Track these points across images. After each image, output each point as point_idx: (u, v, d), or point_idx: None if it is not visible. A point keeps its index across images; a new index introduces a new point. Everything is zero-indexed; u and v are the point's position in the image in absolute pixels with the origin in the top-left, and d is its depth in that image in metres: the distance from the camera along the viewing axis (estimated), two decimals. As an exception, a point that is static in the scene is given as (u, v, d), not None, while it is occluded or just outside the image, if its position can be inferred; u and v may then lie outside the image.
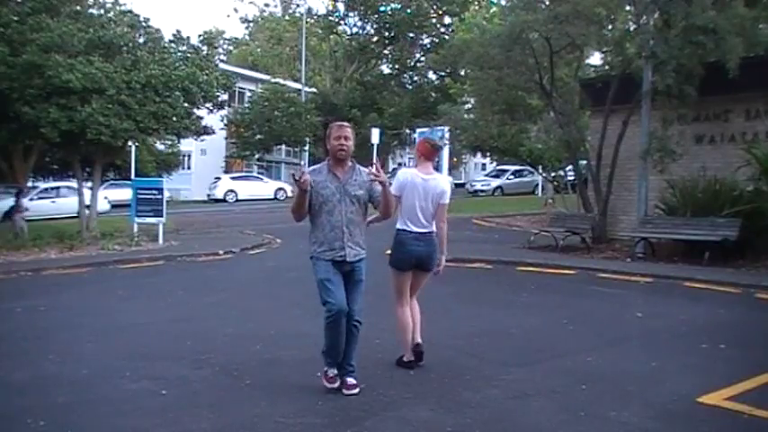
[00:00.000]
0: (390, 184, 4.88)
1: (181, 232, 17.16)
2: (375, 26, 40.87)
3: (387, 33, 40.50)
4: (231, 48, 54.68)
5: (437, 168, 5.62)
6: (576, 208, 14.88)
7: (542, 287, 9.37)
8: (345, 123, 4.90)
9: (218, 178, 34.73)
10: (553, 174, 21.91)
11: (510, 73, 14.11)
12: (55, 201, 23.89)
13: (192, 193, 35.30)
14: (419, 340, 5.27)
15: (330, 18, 41.95)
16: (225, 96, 18.64)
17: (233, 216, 23.38)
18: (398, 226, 5.21)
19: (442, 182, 5.32)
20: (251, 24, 52.95)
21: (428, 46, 41.03)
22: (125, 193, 20.95)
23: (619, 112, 12.83)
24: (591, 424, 4.19)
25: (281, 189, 34.26)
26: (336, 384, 4.74)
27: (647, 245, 11.81)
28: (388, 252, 5.31)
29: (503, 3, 20.14)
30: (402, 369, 5.25)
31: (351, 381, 4.76)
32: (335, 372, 4.76)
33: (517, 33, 13.04)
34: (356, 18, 41.38)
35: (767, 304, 8.16)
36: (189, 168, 37.05)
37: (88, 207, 16.13)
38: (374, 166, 4.59)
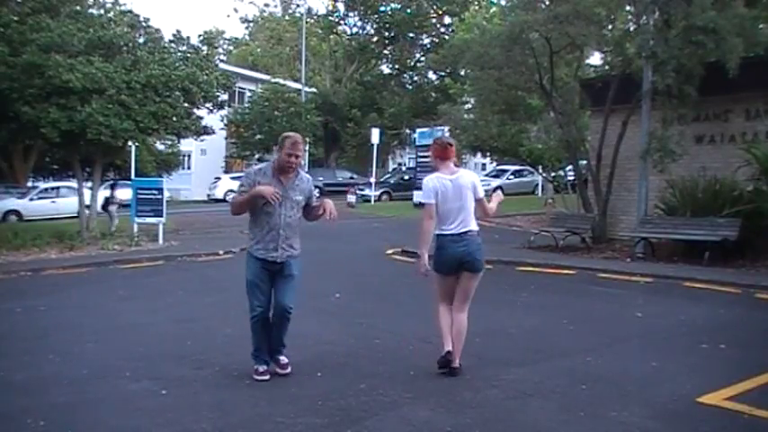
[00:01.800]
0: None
1: (181, 232, 17.15)
2: (375, 26, 40.86)
3: (387, 33, 40.48)
4: (231, 48, 54.67)
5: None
6: (576, 208, 14.88)
7: (542, 287, 9.37)
8: (299, 140, 5.01)
9: (218, 178, 34.70)
10: (553, 174, 21.90)
11: (510, 73, 14.10)
12: (55, 201, 23.87)
13: (192, 193, 35.29)
14: (456, 364, 5.07)
15: (330, 18, 41.94)
16: (225, 96, 18.63)
17: (233, 216, 23.32)
18: (437, 231, 5.08)
19: (469, 176, 5.20)
20: (251, 24, 52.95)
21: (428, 46, 41.02)
22: (125, 193, 20.94)
23: (619, 112, 12.83)
24: (591, 424, 4.19)
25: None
26: (267, 377, 5.01)
27: (647, 245, 11.81)
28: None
29: (503, 3, 20.18)
30: (402, 369, 5.24)
31: (283, 359, 5.14)
32: (265, 367, 5.07)
33: (517, 33, 13.03)
34: (356, 18, 41.38)
35: (767, 304, 8.16)
36: (189, 168, 37.04)
37: (88, 207, 16.13)
38: (329, 213, 4.98)
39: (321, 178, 30.18)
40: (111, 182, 18.83)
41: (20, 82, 13.40)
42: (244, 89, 39.12)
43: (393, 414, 4.34)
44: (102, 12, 16.60)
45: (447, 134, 19.50)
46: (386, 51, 42.34)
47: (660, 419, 4.23)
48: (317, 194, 5.32)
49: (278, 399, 4.62)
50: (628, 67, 12.51)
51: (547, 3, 13.53)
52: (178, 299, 8.70)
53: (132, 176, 16.96)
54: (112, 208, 17.07)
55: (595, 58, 19.26)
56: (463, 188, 5.06)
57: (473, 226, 5.09)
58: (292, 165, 4.92)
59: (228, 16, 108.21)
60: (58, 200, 23.85)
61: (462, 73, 26.78)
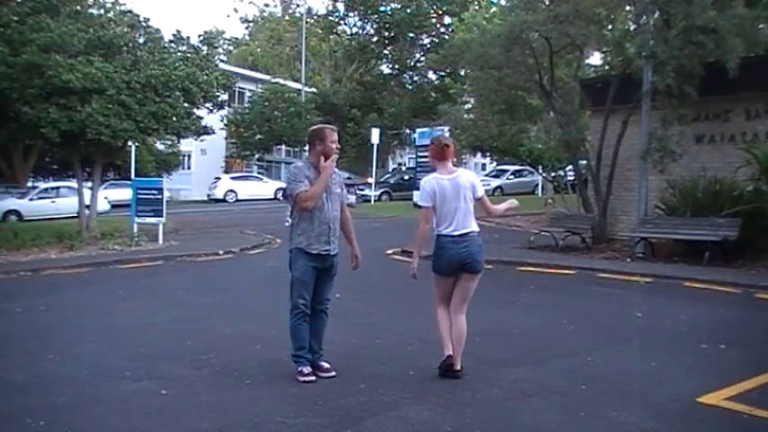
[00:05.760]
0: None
1: (181, 232, 17.16)
2: (375, 26, 40.85)
3: (387, 33, 40.47)
4: (231, 48, 54.66)
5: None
6: (576, 208, 14.88)
7: (542, 287, 9.37)
8: (335, 127, 5.28)
9: (218, 178, 34.70)
10: (553, 174, 21.90)
11: (510, 73, 14.10)
12: (55, 201, 23.88)
13: (192, 193, 35.29)
14: (458, 366, 4.99)
15: (330, 18, 41.94)
16: (225, 96, 18.63)
17: (233, 216, 23.37)
18: (438, 231, 5.01)
19: (468, 175, 5.12)
20: (251, 24, 52.97)
21: (428, 46, 41.00)
22: (125, 193, 20.95)
23: (619, 112, 12.83)
24: (591, 424, 4.19)
25: (281, 189, 34.26)
26: (314, 378, 4.95)
27: (647, 245, 11.81)
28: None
29: (503, 3, 20.16)
30: (402, 369, 5.24)
31: (325, 364, 5.09)
32: (310, 368, 5.02)
33: (517, 33, 13.03)
34: (356, 18, 41.38)
35: (767, 304, 8.16)
36: (189, 168, 37.05)
37: (88, 207, 16.13)
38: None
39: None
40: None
41: (20, 82, 13.40)
42: (244, 89, 39.14)
43: (393, 414, 4.33)
44: (102, 12, 16.58)
45: (447, 134, 19.54)
46: (386, 51, 42.32)
47: (660, 419, 4.23)
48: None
49: (278, 399, 4.62)
50: (628, 67, 12.50)
51: (547, 3, 13.53)
52: (178, 299, 8.70)
53: (132, 176, 16.95)
54: None
55: (595, 58, 19.28)
56: (462, 188, 4.98)
57: (474, 227, 5.02)
58: (337, 151, 5.08)
59: (228, 16, 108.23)
60: (58, 200, 23.85)
61: (462, 73, 26.81)
